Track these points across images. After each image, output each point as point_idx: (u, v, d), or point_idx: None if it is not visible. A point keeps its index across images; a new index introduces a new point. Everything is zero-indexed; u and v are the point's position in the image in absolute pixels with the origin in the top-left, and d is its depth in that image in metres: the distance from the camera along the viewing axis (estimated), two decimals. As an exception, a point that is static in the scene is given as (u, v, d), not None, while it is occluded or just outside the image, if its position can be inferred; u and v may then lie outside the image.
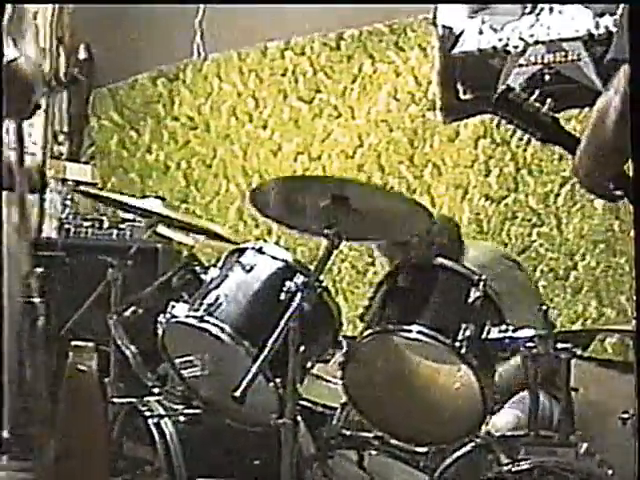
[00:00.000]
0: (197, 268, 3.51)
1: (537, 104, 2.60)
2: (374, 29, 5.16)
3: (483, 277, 3.09)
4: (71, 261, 4.75)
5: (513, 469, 2.86)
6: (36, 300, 4.24)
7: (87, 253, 5.04)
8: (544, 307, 3.09)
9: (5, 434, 4.01)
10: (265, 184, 3.76)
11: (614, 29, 4.30)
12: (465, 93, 4.81)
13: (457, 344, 2.97)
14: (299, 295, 2.81)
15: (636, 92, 1.96)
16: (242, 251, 3.24)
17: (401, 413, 3.18)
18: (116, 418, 3.55)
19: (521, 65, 4.59)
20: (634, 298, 3.64)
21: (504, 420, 3.44)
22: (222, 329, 3.03)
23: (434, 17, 4.87)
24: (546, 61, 4.51)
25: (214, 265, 3.33)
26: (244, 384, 2.64)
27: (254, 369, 2.69)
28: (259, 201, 3.22)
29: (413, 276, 3.19)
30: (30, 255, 4.40)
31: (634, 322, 2.94)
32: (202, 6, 5.77)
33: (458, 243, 4.03)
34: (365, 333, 3.11)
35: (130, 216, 4.78)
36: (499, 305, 3.13)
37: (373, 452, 3.30)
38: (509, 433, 3.20)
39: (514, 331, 3.01)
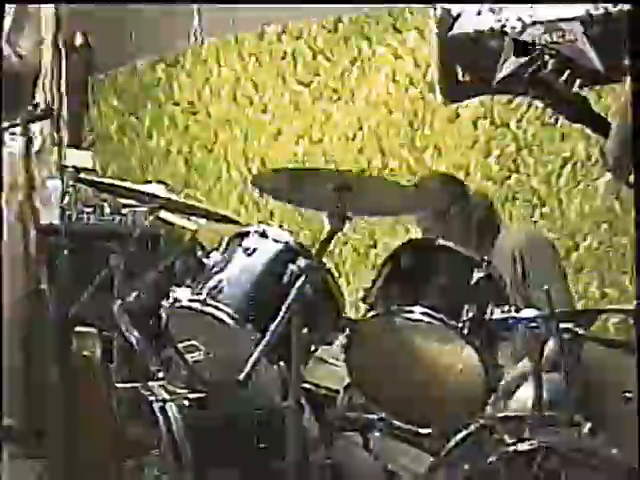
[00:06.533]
0: (199, 252, 3.50)
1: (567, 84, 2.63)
2: (371, 11, 5.16)
3: (485, 258, 3.10)
4: (73, 248, 4.73)
5: (517, 449, 2.87)
6: (44, 287, 4.23)
7: (89, 239, 5.04)
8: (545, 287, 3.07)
9: (9, 421, 4.01)
10: (267, 173, 3.76)
11: (613, 9, 4.30)
12: (464, 75, 4.81)
13: (460, 325, 2.97)
14: (302, 278, 2.81)
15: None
16: (244, 235, 3.23)
17: (405, 394, 3.18)
18: (120, 403, 3.55)
19: (520, 46, 4.58)
20: (635, 278, 3.64)
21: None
22: (225, 312, 3.02)
23: (432, -1, 4.87)
24: (544, 42, 4.50)
25: (216, 249, 3.32)
26: (248, 367, 2.64)
27: (257, 352, 2.69)
28: (262, 185, 3.23)
29: (415, 257, 3.19)
30: (39, 242, 4.40)
31: (635, 302, 2.94)
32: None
33: (494, 219, 4.03)
34: (368, 315, 3.11)
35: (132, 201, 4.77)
36: (501, 286, 3.13)
37: (377, 434, 3.31)
38: (513, 414, 3.20)
39: (516, 311, 3.02)
